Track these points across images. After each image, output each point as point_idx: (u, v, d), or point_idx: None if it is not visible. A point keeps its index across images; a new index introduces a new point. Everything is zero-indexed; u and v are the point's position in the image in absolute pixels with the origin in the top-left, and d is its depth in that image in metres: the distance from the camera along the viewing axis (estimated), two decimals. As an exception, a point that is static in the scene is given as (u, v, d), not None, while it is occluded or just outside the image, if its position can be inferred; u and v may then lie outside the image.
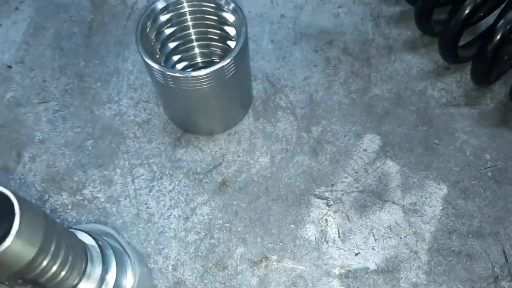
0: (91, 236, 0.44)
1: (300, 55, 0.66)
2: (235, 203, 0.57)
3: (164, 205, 0.57)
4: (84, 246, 0.42)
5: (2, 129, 0.63)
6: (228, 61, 0.50)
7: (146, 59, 0.51)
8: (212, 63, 0.61)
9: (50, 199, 0.58)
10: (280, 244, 0.55)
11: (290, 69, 0.65)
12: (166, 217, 0.57)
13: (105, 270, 0.43)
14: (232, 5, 0.53)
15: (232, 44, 0.58)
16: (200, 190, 0.58)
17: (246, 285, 0.53)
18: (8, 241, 0.31)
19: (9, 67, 0.67)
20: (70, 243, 0.39)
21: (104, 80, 0.66)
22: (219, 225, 0.56)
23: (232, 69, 0.52)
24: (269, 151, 0.60)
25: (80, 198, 0.58)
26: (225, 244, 0.55)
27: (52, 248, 0.36)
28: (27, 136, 0.62)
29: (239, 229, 0.56)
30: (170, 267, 0.54)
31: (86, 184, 0.59)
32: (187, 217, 0.56)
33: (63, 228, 0.40)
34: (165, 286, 0.53)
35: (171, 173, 0.59)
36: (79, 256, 0.40)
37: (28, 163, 0.60)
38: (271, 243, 0.55)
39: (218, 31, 0.57)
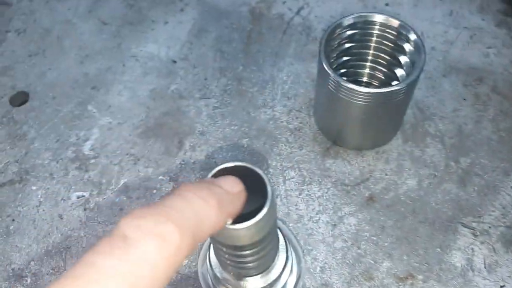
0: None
1: (449, 87, 0.69)
2: (382, 218, 0.59)
3: (313, 209, 0.60)
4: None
5: (167, 117, 0.68)
6: (403, 85, 0.53)
7: (325, 66, 0.54)
8: (370, 85, 0.64)
9: (207, 187, 0.62)
10: (426, 265, 0.57)
11: (439, 99, 0.68)
12: (315, 221, 0.59)
13: (287, 258, 0.46)
14: (414, 36, 0.56)
15: (398, 71, 0.61)
16: (348, 201, 0.61)
17: (390, 298, 0.55)
18: (259, 216, 0.35)
19: (174, 62, 0.73)
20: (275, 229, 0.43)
21: (260, 86, 0.70)
22: (366, 237, 0.58)
23: (402, 93, 0.55)
24: (417, 174, 0.62)
25: (235, 190, 0.62)
26: (371, 256, 0.57)
27: (272, 232, 0.40)
28: (189, 126, 0.67)
29: (386, 244, 0.58)
30: (318, 268, 0.57)
31: (241, 179, 0.63)
32: (334, 224, 0.59)
33: None
34: (312, 286, 0.56)
35: (320, 180, 0.62)
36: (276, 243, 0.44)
37: (189, 151, 0.65)
38: (417, 263, 0.57)
39: (389, 57, 0.60)
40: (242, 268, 0.44)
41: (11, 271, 0.57)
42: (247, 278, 0.47)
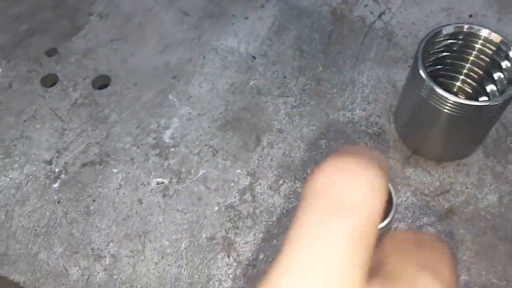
0: None
1: (533, 105, 0.68)
2: (461, 232, 0.59)
3: (391, 217, 0.60)
4: None
5: (245, 112, 0.68)
6: (500, 101, 0.52)
7: (421, 71, 0.54)
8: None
9: (285, 184, 0.62)
10: (505, 282, 0.56)
11: (523, 116, 0.67)
12: (393, 229, 0.59)
13: None
14: (512, 53, 0.55)
15: (489, 87, 0.60)
16: (427, 212, 0.60)
17: (469, 313, 0.54)
18: (384, 223, 0.34)
19: (254, 57, 0.73)
20: None
21: (339, 88, 0.70)
22: (444, 249, 0.58)
23: (497, 109, 0.54)
24: (498, 190, 0.61)
25: (312, 190, 0.62)
26: (449, 268, 0.57)
27: None
28: (267, 123, 0.67)
29: (464, 258, 0.57)
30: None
31: (318, 179, 0.63)
32: (412, 233, 0.59)
33: None
34: None
35: (400, 188, 0.62)
36: None
37: (267, 148, 0.65)
38: (495, 279, 0.56)
39: (483, 72, 0.60)
40: None
41: (91, 250, 0.58)
42: None
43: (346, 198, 0.22)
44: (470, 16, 0.77)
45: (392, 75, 0.71)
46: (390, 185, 0.36)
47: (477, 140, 0.63)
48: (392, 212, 0.35)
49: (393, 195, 0.36)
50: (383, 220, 0.34)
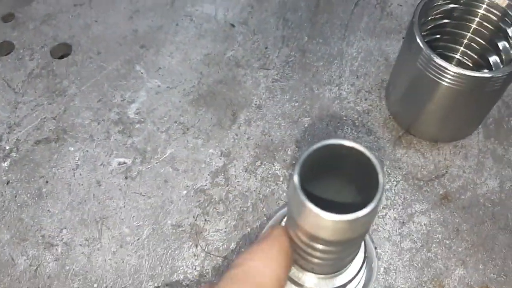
0: None
1: (539, 82, 0.61)
2: (457, 221, 0.53)
3: (379, 203, 0.54)
4: None
5: (220, 86, 0.61)
6: (504, 72, 0.46)
7: (418, 38, 0.47)
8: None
9: (262, 166, 0.56)
10: (504, 277, 0.50)
11: (528, 94, 0.60)
12: (381, 216, 0.53)
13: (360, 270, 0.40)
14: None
15: (492, 58, 0.53)
16: (419, 198, 0.54)
17: (464, 312, 0.48)
18: (367, 209, 0.28)
19: (232, 26, 0.66)
20: None
21: (326, 61, 0.63)
22: (438, 240, 0.52)
23: (500, 82, 0.47)
24: (499, 175, 0.55)
25: (293, 173, 0.56)
26: (443, 261, 0.51)
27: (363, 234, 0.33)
28: (245, 98, 0.60)
29: (460, 249, 0.51)
30: (382, 269, 0.50)
31: (300, 161, 0.56)
32: (403, 222, 0.53)
33: None
34: (374, 287, 0.49)
35: (389, 171, 0.56)
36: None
37: (243, 125, 0.59)
38: (494, 274, 0.50)
39: (486, 42, 0.53)
40: (309, 262, 0.37)
41: (41, 237, 0.52)
42: (307, 273, 0.40)
43: None
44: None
45: (385, 47, 0.64)
46: (375, 162, 0.29)
47: (477, 119, 0.56)
48: (377, 196, 0.29)
49: (380, 176, 0.29)
50: (366, 206, 0.28)
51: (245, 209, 0.53)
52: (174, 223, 0.52)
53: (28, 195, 0.54)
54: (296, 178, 0.30)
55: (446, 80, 0.48)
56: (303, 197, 0.29)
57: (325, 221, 0.29)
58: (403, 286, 0.49)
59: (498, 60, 0.53)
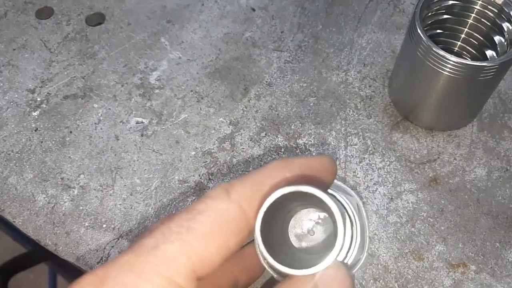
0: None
1: (538, 84, 0.64)
2: (442, 202, 0.56)
3: (371, 179, 0.58)
4: None
5: (236, 62, 0.66)
6: (498, 62, 0.50)
7: (418, 28, 0.51)
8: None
9: (266, 136, 0.60)
10: (482, 257, 0.53)
11: (525, 94, 0.64)
12: (371, 191, 0.57)
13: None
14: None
15: (488, 53, 0.57)
16: (410, 178, 0.58)
17: (439, 283, 0.52)
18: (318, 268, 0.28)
19: (253, 10, 0.71)
20: None
21: (337, 48, 0.68)
22: (422, 217, 0.55)
23: (494, 71, 0.51)
24: (488, 165, 0.59)
25: (294, 145, 0.60)
26: (425, 237, 0.54)
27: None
28: (257, 75, 0.65)
29: (442, 228, 0.55)
30: (367, 238, 0.54)
31: (302, 135, 0.61)
32: (391, 198, 0.56)
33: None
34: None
35: (384, 152, 0.59)
36: None
37: (253, 99, 0.63)
38: (472, 253, 0.53)
39: (483, 37, 0.57)
40: None
41: (60, 180, 0.57)
42: None
43: None
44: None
45: (393, 41, 0.68)
46: (337, 212, 0.29)
47: (472, 110, 0.60)
48: (335, 249, 0.29)
49: (339, 225, 0.29)
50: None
51: (246, 173, 0.58)
52: (181, 178, 0.57)
53: (53, 142, 0.60)
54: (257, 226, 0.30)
55: (445, 69, 0.51)
56: (262, 248, 0.29)
57: (281, 273, 0.30)
58: (384, 255, 0.53)
59: (494, 54, 0.56)
